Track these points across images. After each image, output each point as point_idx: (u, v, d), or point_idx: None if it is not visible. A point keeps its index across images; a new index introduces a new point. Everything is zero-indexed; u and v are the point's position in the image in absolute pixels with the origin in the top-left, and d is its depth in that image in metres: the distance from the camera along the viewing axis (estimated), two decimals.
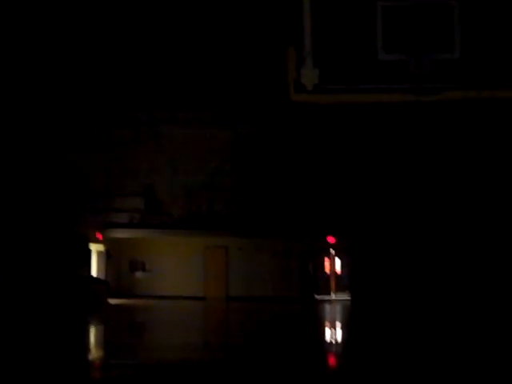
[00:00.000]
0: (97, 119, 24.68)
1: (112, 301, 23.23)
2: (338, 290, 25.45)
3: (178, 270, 25.52)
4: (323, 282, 25.52)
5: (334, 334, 15.25)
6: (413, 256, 23.67)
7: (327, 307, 23.16)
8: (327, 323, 18.06)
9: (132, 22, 21.17)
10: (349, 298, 24.83)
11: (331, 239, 24.80)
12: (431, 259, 23.48)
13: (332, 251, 25.65)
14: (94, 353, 11.47)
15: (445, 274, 23.24)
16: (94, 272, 24.61)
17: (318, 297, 25.19)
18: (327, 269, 25.66)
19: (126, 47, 22.02)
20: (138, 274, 26.01)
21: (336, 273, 25.65)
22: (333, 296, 25.44)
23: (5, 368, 8.87)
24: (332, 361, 10.84)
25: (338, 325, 17.62)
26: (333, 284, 25.60)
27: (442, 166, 23.09)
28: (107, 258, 25.30)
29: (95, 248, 24.70)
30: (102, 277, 24.53)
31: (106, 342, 13.14)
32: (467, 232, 22.88)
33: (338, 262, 25.71)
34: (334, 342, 13.58)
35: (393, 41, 10.70)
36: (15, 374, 8.39)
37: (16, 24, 22.31)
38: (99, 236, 24.36)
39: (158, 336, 14.04)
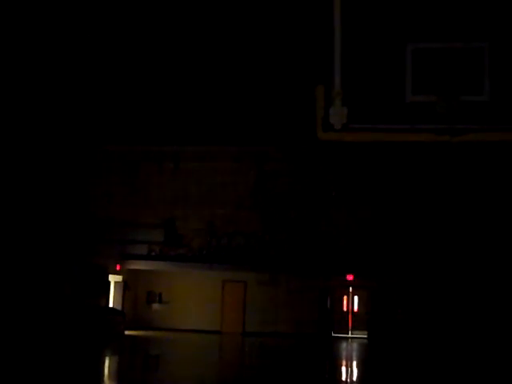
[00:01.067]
0: (120, 150, 24.95)
1: (128, 332, 23.20)
2: (355, 327, 25.28)
3: (196, 303, 25.49)
4: (341, 320, 25.37)
5: (348, 370, 15.12)
6: (431, 296, 23.49)
7: (344, 344, 22.97)
8: (342, 360, 17.90)
9: (165, 57, 21.43)
10: (366, 336, 24.63)
11: (350, 277, 24.71)
12: (449, 300, 23.28)
13: (350, 289, 25.54)
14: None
15: (462, 315, 23.00)
16: (111, 303, 24.61)
17: (335, 334, 25.01)
18: (345, 306, 25.53)
19: (158, 81, 22.29)
20: (155, 306, 26.00)
21: (353, 310, 25.50)
22: (350, 334, 25.27)
23: None
24: None
25: (354, 362, 17.46)
26: (350, 321, 25.43)
27: (464, 208, 23.04)
28: (125, 289, 25.32)
29: (113, 279, 24.76)
30: (119, 308, 24.53)
31: (120, 374, 13.11)
32: (486, 272, 22.69)
33: (355, 299, 25.58)
34: (346, 378, 13.46)
35: (422, 82, 10.78)
36: None
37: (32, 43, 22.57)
38: (118, 267, 24.43)
39: (171, 369, 13.98)
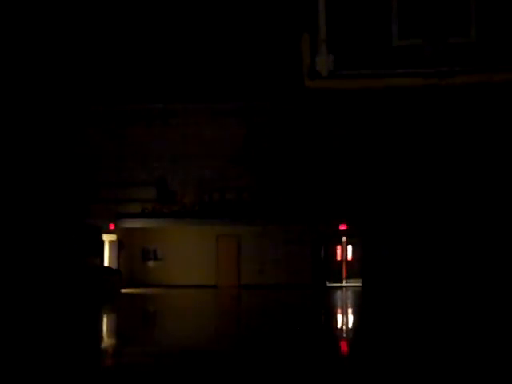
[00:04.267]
0: (111, 111, 24.77)
1: (125, 290, 23.40)
2: (350, 276, 25.57)
3: (190, 258, 25.68)
4: (335, 269, 25.65)
5: (343, 318, 15.35)
6: (425, 244, 23.68)
7: (338, 293, 23.27)
8: (337, 308, 18.17)
9: (144, 12, 21.12)
10: (360, 284, 24.94)
11: (343, 226, 24.89)
12: (444, 247, 23.48)
13: (344, 238, 25.76)
14: (107, 341, 11.56)
15: (458, 261, 23.23)
16: (106, 262, 24.75)
17: (329, 283, 25.32)
18: (339, 256, 25.78)
19: (140, 39, 22.01)
20: (150, 263, 26.20)
21: (347, 260, 25.77)
22: (344, 282, 25.58)
23: (18, 356, 8.97)
24: (339, 344, 10.92)
25: (349, 310, 17.73)
26: (344, 271, 25.72)
27: (457, 152, 23.04)
28: (120, 247, 25.45)
29: (108, 238, 24.84)
30: (115, 266, 24.68)
31: (118, 331, 13.24)
32: (484, 220, 22.84)
33: (349, 249, 25.82)
34: (342, 325, 13.67)
35: (408, 26, 10.68)
36: (28, 363, 8.48)
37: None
38: (112, 226, 24.49)
39: (169, 325, 14.13)
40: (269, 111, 24.20)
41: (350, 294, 23.18)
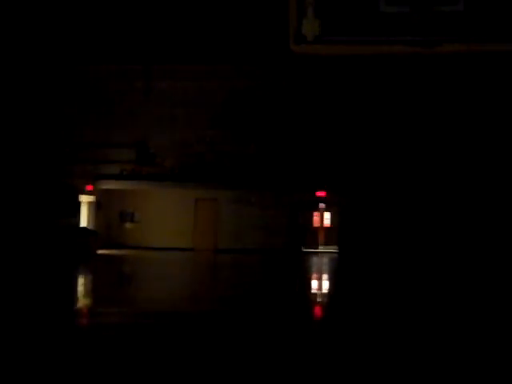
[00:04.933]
0: (91, 70, 24.42)
1: (101, 251, 23.39)
2: (326, 243, 25.80)
3: (168, 221, 25.67)
4: (311, 235, 25.85)
5: (317, 283, 15.55)
6: (401, 211, 23.97)
7: (312, 258, 23.50)
8: (312, 274, 18.37)
9: None
10: (335, 250, 25.20)
11: (321, 193, 25.03)
12: (419, 214, 23.78)
13: (321, 205, 25.93)
14: (81, 302, 11.59)
15: (433, 227, 23.57)
16: (83, 223, 24.65)
17: (305, 249, 25.54)
18: (316, 222, 25.97)
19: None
20: (128, 225, 26.15)
21: (324, 226, 25.98)
22: (320, 249, 25.82)
23: None
24: (315, 310, 11.09)
25: (323, 275, 17.94)
26: (321, 237, 25.94)
27: (439, 122, 23.20)
28: (97, 208, 25.34)
29: (85, 199, 24.70)
30: (92, 227, 24.61)
31: (93, 292, 13.26)
32: (457, 187, 23.13)
33: (326, 215, 26.01)
34: (316, 290, 13.86)
35: None
36: (2, 325, 8.49)
37: None
38: (90, 187, 24.34)
39: (144, 287, 14.19)
40: (252, 75, 24.06)
41: (324, 259, 23.43)
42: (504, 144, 22.57)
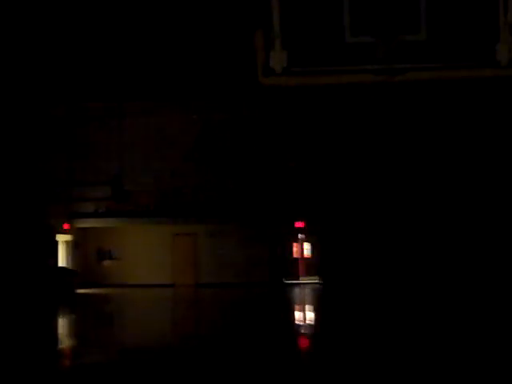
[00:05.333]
0: (64, 108, 24.41)
1: (81, 290, 23.12)
2: (307, 273, 25.73)
3: (147, 258, 25.49)
4: (292, 266, 25.78)
5: (300, 314, 15.45)
6: (382, 239, 23.99)
7: (295, 290, 23.41)
8: (294, 305, 18.28)
9: (106, 15, 20.82)
10: (317, 281, 25.12)
11: (299, 224, 25.03)
12: (400, 243, 23.82)
13: (300, 236, 25.90)
14: (63, 343, 11.41)
15: (414, 256, 23.59)
16: (61, 262, 24.40)
17: (286, 281, 25.43)
18: (296, 253, 25.92)
19: (95, 38, 21.69)
20: (106, 263, 25.92)
21: (304, 257, 25.93)
22: (301, 279, 25.73)
23: None
24: (300, 340, 11.00)
25: (306, 306, 17.85)
26: (302, 268, 25.86)
27: (412, 148, 23.42)
28: (74, 247, 25.12)
29: (62, 238, 24.49)
30: (70, 267, 24.35)
31: (74, 333, 13.07)
32: (437, 214, 23.25)
33: (306, 246, 25.98)
34: (299, 322, 13.77)
35: (360, 23, 10.78)
36: None
37: None
38: (66, 226, 24.16)
39: (127, 326, 14.03)
40: (225, 108, 24.19)
41: (306, 290, 23.34)
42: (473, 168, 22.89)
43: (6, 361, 8.61)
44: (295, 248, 25.94)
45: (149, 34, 21.24)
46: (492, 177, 23.00)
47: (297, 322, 13.79)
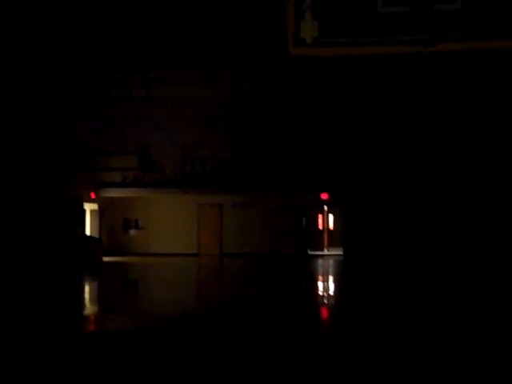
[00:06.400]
0: (91, 79, 24.45)
1: (106, 259, 23.39)
2: (331, 245, 25.76)
3: (172, 227, 25.68)
4: (316, 238, 25.82)
5: (325, 285, 15.49)
6: (406, 212, 23.90)
7: (319, 262, 23.44)
8: (319, 276, 18.30)
9: None
10: (341, 252, 25.14)
11: (324, 195, 25.00)
12: (424, 214, 23.71)
13: (325, 207, 25.89)
14: (89, 309, 11.57)
15: (438, 229, 23.49)
16: (88, 231, 24.68)
17: (311, 252, 25.49)
18: (320, 225, 25.93)
19: (123, 7, 21.64)
20: (132, 232, 26.16)
21: (329, 228, 25.94)
22: (326, 251, 25.78)
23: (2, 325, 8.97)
24: (322, 312, 11.03)
25: (331, 277, 17.88)
26: (326, 239, 25.90)
27: (440, 121, 23.14)
28: (101, 216, 25.37)
29: (89, 207, 24.74)
30: (96, 235, 24.63)
31: (100, 299, 13.24)
32: (462, 188, 23.05)
33: (331, 217, 25.97)
34: (325, 293, 13.81)
35: None
36: (11, 331, 8.48)
37: None
38: (93, 195, 24.37)
39: (153, 292, 14.17)
40: (253, 79, 24.06)
41: (331, 262, 23.36)
42: (506, 141, 22.51)
43: (31, 327, 8.77)
44: (320, 219, 25.95)
45: (177, 4, 21.13)
46: None
47: (312, 294, 13.85)
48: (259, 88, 24.02)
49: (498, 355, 6.88)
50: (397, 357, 6.84)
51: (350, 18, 10.83)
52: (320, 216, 25.95)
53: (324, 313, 10.76)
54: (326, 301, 12.23)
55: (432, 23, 10.17)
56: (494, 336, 7.95)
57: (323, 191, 24.79)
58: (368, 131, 23.68)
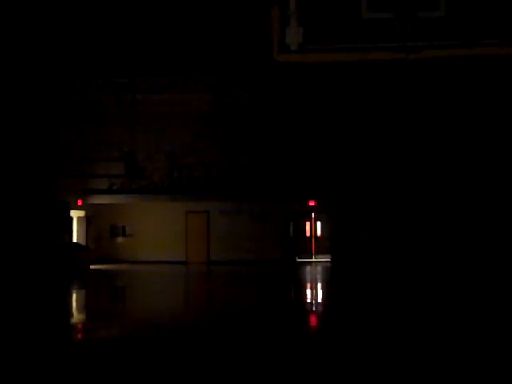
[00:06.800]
0: (78, 85, 24.33)
1: (93, 266, 23.27)
2: (319, 252, 25.77)
3: (159, 234, 25.59)
4: (304, 245, 25.82)
5: (312, 291, 15.48)
6: (393, 218, 23.93)
7: (307, 268, 23.43)
8: (307, 282, 18.30)
9: None
10: (329, 259, 25.15)
11: (312, 202, 25.02)
12: (412, 221, 23.74)
13: (313, 214, 25.90)
14: (76, 318, 11.50)
15: (426, 234, 23.52)
16: (74, 238, 24.55)
17: (298, 259, 25.48)
18: (308, 231, 25.93)
19: (107, 12, 21.58)
20: (119, 239, 26.05)
21: (317, 235, 25.95)
22: (313, 258, 25.78)
23: None
24: (309, 316, 11.01)
25: (318, 283, 17.87)
26: (313, 246, 25.90)
27: (429, 128, 23.21)
28: (88, 223, 25.25)
29: (76, 214, 24.62)
30: (83, 243, 24.50)
31: (87, 308, 13.16)
32: (450, 194, 23.11)
33: (318, 224, 25.99)
34: (313, 300, 13.80)
35: None
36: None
37: None
38: (80, 202, 24.26)
39: (140, 300, 14.10)
40: (239, 85, 24.04)
41: (318, 268, 23.35)
42: (495, 146, 22.61)
43: (18, 336, 8.69)
44: (308, 226, 25.96)
45: (163, 10, 21.11)
46: None
47: (301, 301, 13.82)
48: (246, 94, 24.00)
49: (496, 359, 6.87)
50: (386, 360, 6.82)
51: (335, 25, 10.81)
52: (307, 223, 25.96)
53: (313, 319, 10.74)
54: (314, 307, 12.21)
55: (416, 30, 10.18)
56: (492, 342, 7.94)
57: (311, 198, 24.81)
58: (355, 138, 23.71)
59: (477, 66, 19.31)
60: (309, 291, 15.84)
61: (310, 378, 6.27)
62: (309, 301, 13.59)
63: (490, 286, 16.18)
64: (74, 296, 15.50)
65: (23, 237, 21.81)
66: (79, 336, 9.20)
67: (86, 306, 13.40)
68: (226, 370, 6.54)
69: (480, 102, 22.60)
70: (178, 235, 25.57)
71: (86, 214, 25.11)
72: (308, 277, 20.84)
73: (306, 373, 6.44)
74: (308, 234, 25.97)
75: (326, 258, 25.26)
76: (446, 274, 20.15)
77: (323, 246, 25.65)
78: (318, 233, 25.98)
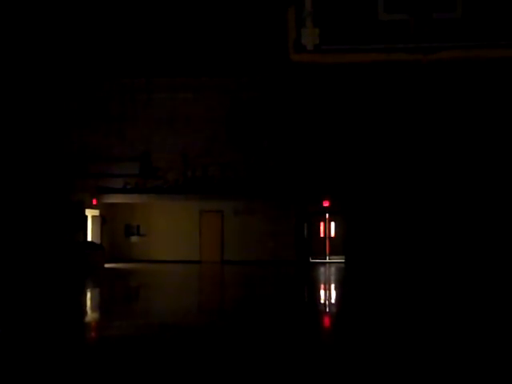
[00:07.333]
0: (93, 84, 24.41)
1: (108, 265, 23.38)
2: (333, 252, 25.73)
3: (174, 234, 25.68)
4: (318, 245, 25.79)
5: (326, 292, 15.46)
6: (408, 219, 23.81)
7: (321, 269, 23.41)
8: (321, 283, 18.28)
9: None
10: (343, 260, 25.10)
11: (326, 203, 24.98)
12: (427, 222, 23.62)
13: (327, 215, 25.86)
14: (90, 316, 11.55)
15: (440, 235, 23.40)
16: (89, 237, 24.67)
17: (312, 259, 25.46)
18: (322, 232, 25.90)
19: (124, 11, 21.67)
20: (134, 239, 26.16)
21: (331, 236, 25.91)
22: (327, 259, 25.75)
23: (3, 331, 8.96)
24: (322, 318, 11.00)
25: (332, 284, 17.85)
26: (327, 247, 25.86)
27: (441, 129, 23.09)
28: (102, 223, 25.37)
29: (90, 213, 24.74)
30: (98, 242, 24.62)
31: (100, 306, 13.22)
32: (463, 193, 22.98)
33: (332, 225, 25.94)
34: (327, 300, 13.78)
35: (394, 0, 10.63)
36: (12, 337, 8.47)
37: None
38: (94, 201, 24.37)
39: (154, 299, 14.15)
40: (254, 86, 24.02)
41: (332, 269, 23.31)
42: (505, 149, 22.47)
43: (33, 334, 8.75)
44: (322, 227, 25.93)
45: (180, 11, 21.16)
46: None
47: (315, 302, 13.80)
48: (261, 94, 23.97)
49: (497, 358, 6.84)
50: (397, 360, 6.81)
51: (351, 26, 10.81)
52: (322, 223, 25.93)
53: (326, 320, 10.73)
54: (328, 308, 12.21)
55: (432, 31, 10.16)
56: (494, 340, 7.91)
57: (325, 199, 24.77)
58: (370, 138, 23.62)
59: (485, 67, 19.19)
60: (323, 292, 15.82)
61: (320, 377, 6.27)
62: (323, 302, 13.58)
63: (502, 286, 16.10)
64: (88, 295, 15.58)
65: (38, 235, 21.97)
66: (91, 334, 9.25)
67: (99, 305, 13.46)
68: (237, 370, 6.55)
69: (485, 105, 22.48)
70: (191, 235, 25.64)
71: (101, 213, 25.23)
72: (322, 277, 20.82)
73: (316, 372, 6.45)
74: (322, 235, 25.94)
75: (340, 259, 25.20)
76: (459, 273, 20.05)
77: (337, 246, 25.59)
78: (332, 233, 25.94)
